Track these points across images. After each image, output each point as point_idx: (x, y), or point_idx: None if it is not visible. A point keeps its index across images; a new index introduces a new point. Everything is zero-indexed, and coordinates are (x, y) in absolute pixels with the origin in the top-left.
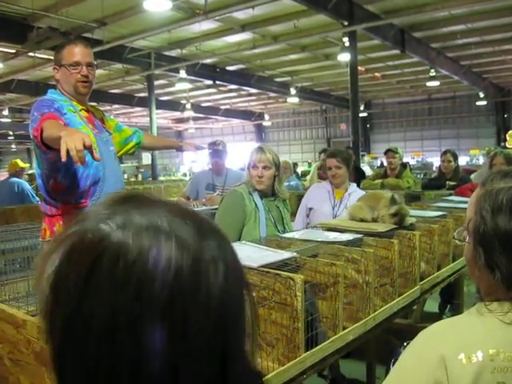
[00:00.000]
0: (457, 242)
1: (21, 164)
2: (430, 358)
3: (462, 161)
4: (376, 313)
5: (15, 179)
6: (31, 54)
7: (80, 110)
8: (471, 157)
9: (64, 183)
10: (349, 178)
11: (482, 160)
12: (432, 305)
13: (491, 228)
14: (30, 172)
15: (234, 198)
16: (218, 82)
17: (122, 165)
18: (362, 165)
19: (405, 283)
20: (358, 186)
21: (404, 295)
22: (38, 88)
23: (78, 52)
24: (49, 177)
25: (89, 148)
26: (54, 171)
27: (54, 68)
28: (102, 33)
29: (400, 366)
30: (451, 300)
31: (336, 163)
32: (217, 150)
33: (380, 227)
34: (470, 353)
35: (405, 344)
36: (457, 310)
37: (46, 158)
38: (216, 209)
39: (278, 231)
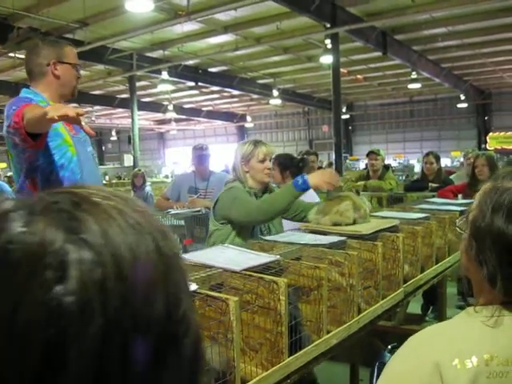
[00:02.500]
0: (457, 229)
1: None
2: (424, 364)
3: (444, 163)
4: (360, 316)
5: None
6: (11, 54)
7: None
8: (452, 159)
9: (40, 184)
10: (292, 178)
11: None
12: (415, 306)
13: (487, 224)
14: (9, 174)
15: (239, 189)
16: (200, 84)
17: (103, 166)
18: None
19: (388, 286)
20: None
21: (388, 298)
22: (18, 89)
23: (76, 55)
24: (25, 178)
25: (81, 115)
26: (31, 171)
27: (54, 62)
28: (83, 33)
29: (391, 373)
30: (434, 302)
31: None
32: (202, 155)
33: (363, 229)
34: (464, 358)
35: (389, 347)
36: (439, 312)
37: (23, 158)
38: (198, 211)
39: (261, 231)
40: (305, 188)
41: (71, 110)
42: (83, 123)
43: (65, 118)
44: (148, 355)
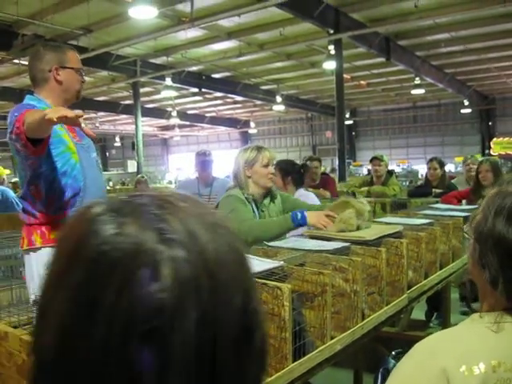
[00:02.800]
0: (465, 235)
1: (3, 171)
2: (431, 370)
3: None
4: (364, 322)
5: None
6: (16, 61)
7: None
8: (456, 164)
9: (43, 192)
10: (293, 184)
11: None
12: (418, 312)
13: (489, 228)
14: (13, 180)
15: (237, 199)
16: (203, 90)
17: (107, 172)
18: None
19: (392, 292)
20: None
21: (392, 304)
22: (23, 95)
23: (79, 59)
24: (30, 183)
25: (80, 117)
26: (35, 178)
27: (56, 68)
28: (87, 40)
29: (398, 379)
30: (438, 308)
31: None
32: (205, 161)
33: (367, 235)
34: (472, 365)
35: (393, 353)
36: (443, 318)
37: (26, 165)
38: None
39: None
40: (301, 224)
41: (70, 111)
42: (83, 125)
43: (63, 120)
44: (232, 345)
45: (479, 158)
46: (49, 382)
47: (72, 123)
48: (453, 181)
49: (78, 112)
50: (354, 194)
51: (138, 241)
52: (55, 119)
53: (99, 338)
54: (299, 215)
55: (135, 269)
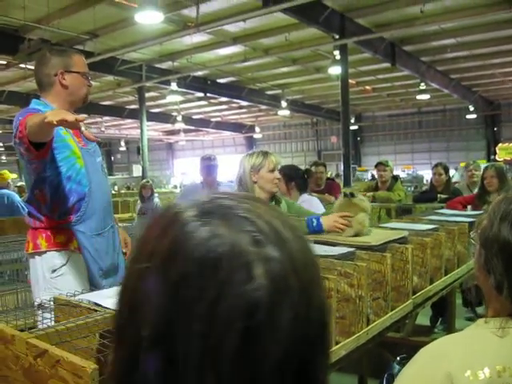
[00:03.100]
0: (472, 241)
1: (9, 175)
2: (436, 375)
3: (453, 174)
4: (369, 327)
5: (5, 191)
6: (22, 65)
7: None
8: (461, 170)
9: (48, 196)
10: (297, 189)
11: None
12: (423, 318)
13: (494, 233)
14: (19, 184)
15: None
16: (209, 95)
17: (112, 177)
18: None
19: (397, 297)
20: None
21: (397, 309)
22: (29, 99)
23: (85, 63)
24: (34, 187)
25: (81, 121)
26: (40, 182)
27: (61, 72)
28: (93, 45)
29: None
30: (443, 313)
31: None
32: (210, 166)
33: (373, 241)
34: (477, 370)
35: (398, 358)
36: (448, 324)
37: (31, 169)
38: None
39: None
40: (317, 231)
41: (70, 115)
42: (83, 129)
43: (64, 123)
44: (317, 343)
45: (482, 163)
46: (142, 374)
47: (72, 127)
48: (455, 186)
49: (79, 116)
50: (352, 195)
51: (233, 242)
52: (55, 122)
53: (199, 335)
54: (315, 222)
55: (233, 269)
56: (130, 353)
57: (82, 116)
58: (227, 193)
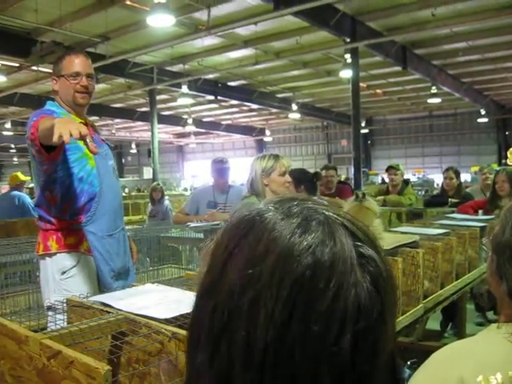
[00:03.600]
0: (484, 248)
1: (21, 177)
2: (449, 380)
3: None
4: None
5: (16, 192)
6: (34, 67)
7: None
8: (472, 174)
9: (59, 197)
10: (306, 192)
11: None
12: (433, 323)
13: (506, 239)
14: (30, 185)
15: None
16: (219, 98)
17: (123, 179)
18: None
19: (408, 301)
20: None
21: (407, 313)
22: (41, 102)
23: (78, 62)
24: (44, 188)
25: (84, 137)
26: (50, 183)
27: (53, 79)
28: (105, 47)
29: None
30: (453, 318)
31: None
32: (222, 169)
33: (384, 245)
34: (489, 375)
35: (408, 363)
36: (458, 328)
37: (42, 170)
38: (217, 224)
39: None
40: None
41: (74, 129)
42: (87, 140)
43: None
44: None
45: (496, 167)
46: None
47: (78, 139)
48: (467, 190)
49: (84, 131)
50: (364, 196)
51: (343, 246)
52: (56, 139)
53: (316, 335)
54: None
55: (348, 269)
56: (233, 357)
57: (85, 132)
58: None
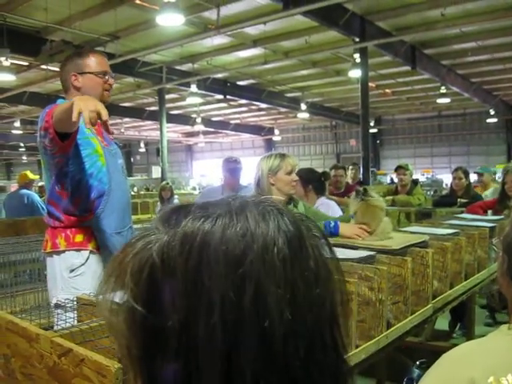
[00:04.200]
0: (494, 248)
1: (30, 176)
2: (459, 380)
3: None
4: (389, 331)
5: (25, 191)
6: (44, 66)
7: None
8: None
9: (69, 191)
10: (314, 192)
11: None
12: (442, 323)
13: None
14: (40, 184)
15: None
16: (228, 97)
17: (131, 178)
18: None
19: (417, 301)
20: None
21: (416, 313)
22: (50, 100)
23: (105, 62)
24: (55, 183)
25: (104, 120)
26: (62, 177)
27: (73, 75)
28: (114, 46)
29: None
30: (461, 318)
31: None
32: (236, 168)
33: (393, 244)
34: (500, 376)
35: (418, 363)
36: (467, 329)
37: (53, 164)
38: None
39: None
40: (333, 233)
41: (93, 106)
42: (107, 122)
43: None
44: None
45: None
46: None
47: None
48: (489, 190)
49: (103, 113)
50: (365, 192)
51: (295, 228)
52: (76, 116)
53: (302, 323)
54: (332, 223)
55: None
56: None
57: (105, 113)
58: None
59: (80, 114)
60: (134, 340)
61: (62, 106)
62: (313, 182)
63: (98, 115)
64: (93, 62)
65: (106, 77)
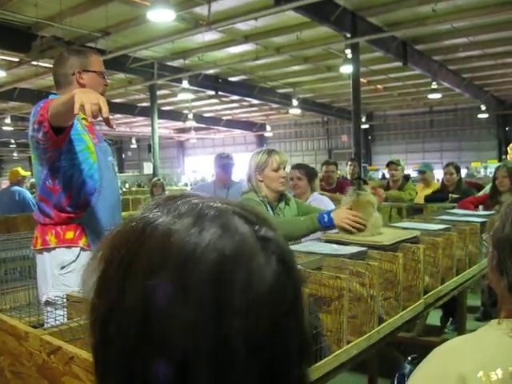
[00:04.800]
0: (485, 243)
1: (22, 172)
2: (449, 376)
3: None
4: (380, 326)
5: (17, 188)
6: (34, 62)
7: (82, 119)
8: (472, 169)
9: (61, 186)
10: (310, 190)
11: (483, 173)
12: (434, 318)
13: (506, 234)
14: (31, 181)
15: (253, 202)
16: (220, 93)
17: (123, 174)
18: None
19: (409, 297)
20: None
21: (408, 309)
22: (41, 97)
23: (102, 63)
24: (47, 178)
25: (105, 117)
26: (53, 172)
27: (78, 72)
28: (105, 42)
29: None
30: (453, 313)
31: (298, 174)
32: (228, 164)
33: (384, 240)
34: (489, 370)
35: (409, 358)
36: (459, 324)
37: (45, 159)
38: None
39: None
40: (329, 226)
41: (95, 98)
42: (107, 116)
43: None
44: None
45: (492, 163)
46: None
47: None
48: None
49: (104, 110)
50: (364, 182)
51: (239, 238)
52: (78, 109)
53: (230, 332)
54: (326, 217)
55: (252, 261)
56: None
57: (106, 108)
58: (179, 194)
59: (82, 106)
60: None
61: (61, 98)
62: (315, 178)
63: (100, 110)
64: (95, 62)
65: (105, 77)
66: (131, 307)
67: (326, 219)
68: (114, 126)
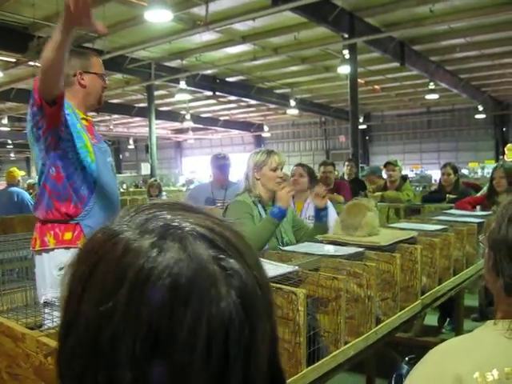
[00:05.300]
0: (481, 244)
1: (17, 172)
2: (445, 376)
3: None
4: (378, 327)
5: (15, 188)
6: (31, 63)
7: (81, 119)
8: (470, 170)
9: (64, 174)
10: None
11: (480, 173)
12: (431, 318)
13: (502, 235)
14: (28, 181)
15: (243, 207)
16: (217, 93)
17: (121, 175)
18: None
19: (406, 297)
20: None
21: (405, 309)
22: None
23: (102, 65)
24: (50, 165)
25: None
26: (56, 158)
27: (80, 72)
28: (102, 43)
29: None
30: (450, 314)
31: (301, 171)
32: (224, 165)
33: (382, 241)
34: (485, 371)
35: (407, 359)
36: (456, 324)
37: (45, 149)
38: None
39: (277, 241)
40: (282, 213)
41: None
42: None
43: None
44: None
45: (490, 164)
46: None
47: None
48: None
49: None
50: (363, 183)
51: (196, 265)
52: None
53: (181, 365)
54: (275, 210)
55: (206, 292)
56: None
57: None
58: (160, 203)
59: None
60: None
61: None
62: (316, 179)
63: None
64: (96, 64)
65: (105, 79)
66: (82, 329)
67: (276, 211)
68: (106, 31)
